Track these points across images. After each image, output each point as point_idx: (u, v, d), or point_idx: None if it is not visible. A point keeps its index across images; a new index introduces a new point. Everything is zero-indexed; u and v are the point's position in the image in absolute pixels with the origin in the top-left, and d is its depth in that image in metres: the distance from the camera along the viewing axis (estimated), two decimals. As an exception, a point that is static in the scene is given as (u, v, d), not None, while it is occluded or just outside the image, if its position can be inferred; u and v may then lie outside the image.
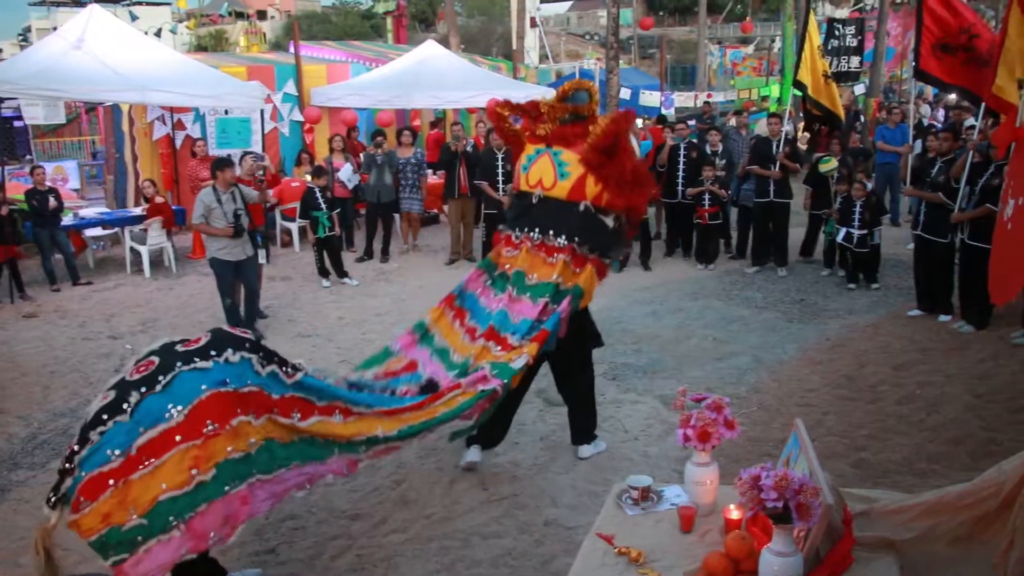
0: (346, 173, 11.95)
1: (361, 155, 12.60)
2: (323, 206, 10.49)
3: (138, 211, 11.88)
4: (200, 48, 43.72)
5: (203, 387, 3.59)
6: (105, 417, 3.52)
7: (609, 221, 5.34)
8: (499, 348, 5.03)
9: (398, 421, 4.40)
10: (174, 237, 11.89)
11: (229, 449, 3.60)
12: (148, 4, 44.80)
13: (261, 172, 9.24)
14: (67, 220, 11.16)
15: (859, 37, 16.28)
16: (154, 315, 9.54)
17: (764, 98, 21.71)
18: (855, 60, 15.31)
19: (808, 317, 9.08)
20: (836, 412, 6.50)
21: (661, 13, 58.63)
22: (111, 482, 3.42)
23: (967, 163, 8.20)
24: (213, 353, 3.72)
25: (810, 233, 11.43)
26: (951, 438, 5.93)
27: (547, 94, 16.55)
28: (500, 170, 10.91)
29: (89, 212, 12.15)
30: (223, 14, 52.69)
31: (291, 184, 12.58)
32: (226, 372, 3.69)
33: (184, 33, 43.43)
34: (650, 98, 19.64)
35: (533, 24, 30.40)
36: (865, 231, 9.86)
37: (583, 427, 5.88)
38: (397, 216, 12.63)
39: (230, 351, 3.77)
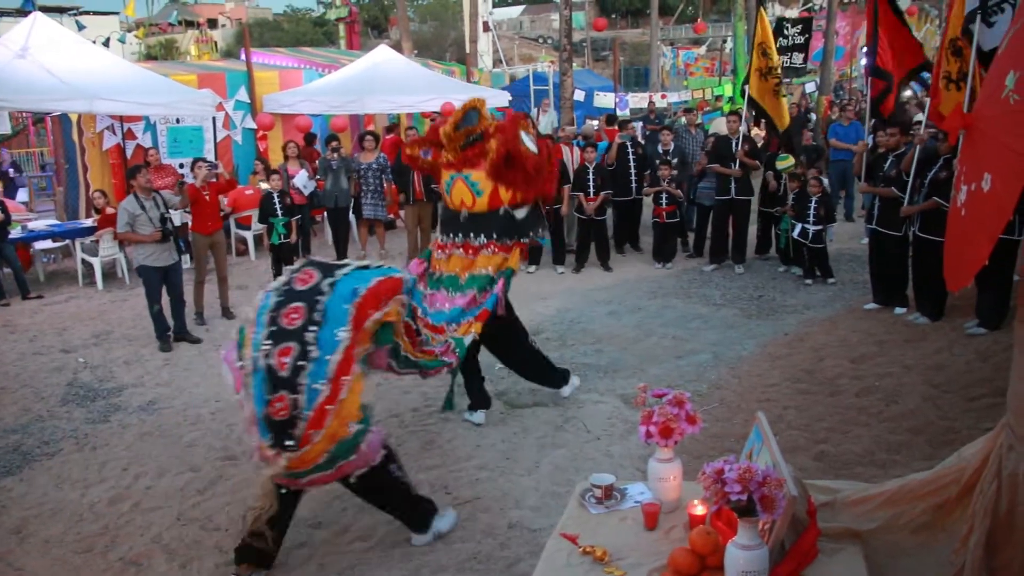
0: (301, 180, 11.81)
1: (317, 160, 12.48)
2: (279, 212, 10.34)
3: (89, 222, 11.63)
4: (150, 57, 43.10)
5: (345, 306, 4.31)
6: (301, 364, 4.20)
7: (523, 212, 6.12)
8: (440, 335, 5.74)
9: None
10: (127, 248, 11.66)
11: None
12: (95, 13, 43.98)
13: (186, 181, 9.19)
14: (15, 233, 10.90)
15: (806, 35, 16.46)
16: (108, 327, 9.35)
17: (718, 97, 21.90)
18: (799, 57, 15.55)
19: (766, 313, 9.14)
20: (796, 406, 6.53)
21: (614, 15, 58.97)
22: (328, 408, 4.18)
23: (914, 157, 8.34)
24: (331, 277, 4.44)
25: (764, 230, 11.52)
26: (910, 428, 5.99)
27: (500, 97, 16.63)
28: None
29: (39, 224, 11.88)
30: (173, 23, 51.81)
31: (245, 192, 12.41)
32: (348, 283, 4.42)
33: (133, 42, 42.71)
34: (604, 99, 19.72)
35: (486, 28, 30.40)
36: (820, 227, 9.96)
37: (550, 380, 6.75)
38: (354, 221, 12.52)
39: (343, 269, 4.52)
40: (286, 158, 12.42)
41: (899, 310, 8.73)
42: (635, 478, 3.75)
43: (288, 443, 4.18)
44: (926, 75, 9.29)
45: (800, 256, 10.49)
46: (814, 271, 10.27)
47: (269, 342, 4.29)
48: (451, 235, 6.19)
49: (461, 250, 6.12)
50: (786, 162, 10.86)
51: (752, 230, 11.41)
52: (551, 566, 2.95)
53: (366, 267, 4.62)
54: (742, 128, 10.88)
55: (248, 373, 4.35)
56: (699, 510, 3.02)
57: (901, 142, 8.91)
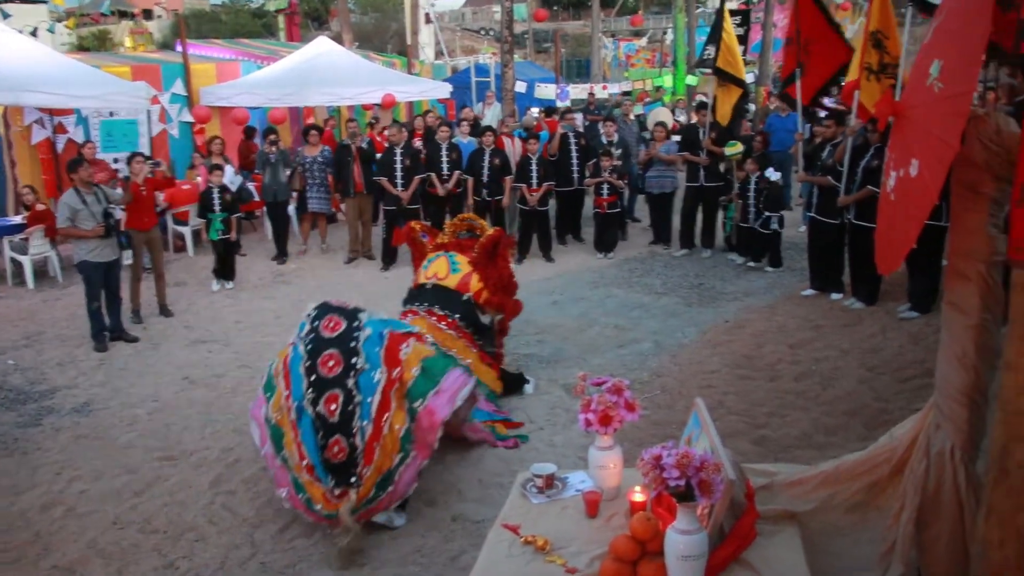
0: (228, 176, 11.60)
1: (255, 154, 12.29)
2: (217, 208, 10.16)
3: (18, 219, 11.29)
4: (82, 49, 41.92)
5: (376, 349, 4.75)
6: (350, 408, 4.65)
7: (485, 319, 6.66)
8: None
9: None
10: (59, 246, 11.35)
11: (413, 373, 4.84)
12: (22, 1, 42.62)
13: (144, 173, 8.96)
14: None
15: (745, 27, 16.66)
16: (39, 328, 9.09)
17: (658, 89, 22.05)
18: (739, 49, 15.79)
19: (707, 301, 9.24)
20: (736, 392, 6.62)
21: (555, 7, 58.96)
22: (376, 445, 4.64)
23: (848, 147, 8.51)
24: (357, 322, 4.85)
25: (709, 219, 11.64)
26: (846, 410, 6.11)
27: (442, 89, 16.56)
28: (398, 165, 10.79)
29: (-37, 223, 11.49)
30: (105, 12, 50.45)
31: (182, 187, 12.16)
32: (375, 327, 4.88)
33: (63, 33, 41.64)
34: (545, 91, 19.71)
35: (428, 20, 30.16)
36: (769, 214, 10.11)
37: (516, 387, 6.86)
38: (294, 215, 12.37)
39: (362, 313, 4.95)
40: (210, 154, 12.20)
41: (835, 296, 8.91)
42: (578, 467, 3.76)
43: (352, 480, 4.66)
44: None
45: (744, 243, 10.65)
46: (760, 256, 10.46)
47: (312, 392, 4.69)
48: (416, 304, 6.63)
49: (425, 314, 6.44)
50: (734, 148, 11.00)
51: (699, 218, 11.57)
52: (492, 557, 2.95)
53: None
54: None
55: (293, 421, 4.76)
56: (639, 497, 3.04)
57: (837, 132, 9.08)
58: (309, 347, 4.79)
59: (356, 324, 4.85)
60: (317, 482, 4.73)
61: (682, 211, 11.54)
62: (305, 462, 4.74)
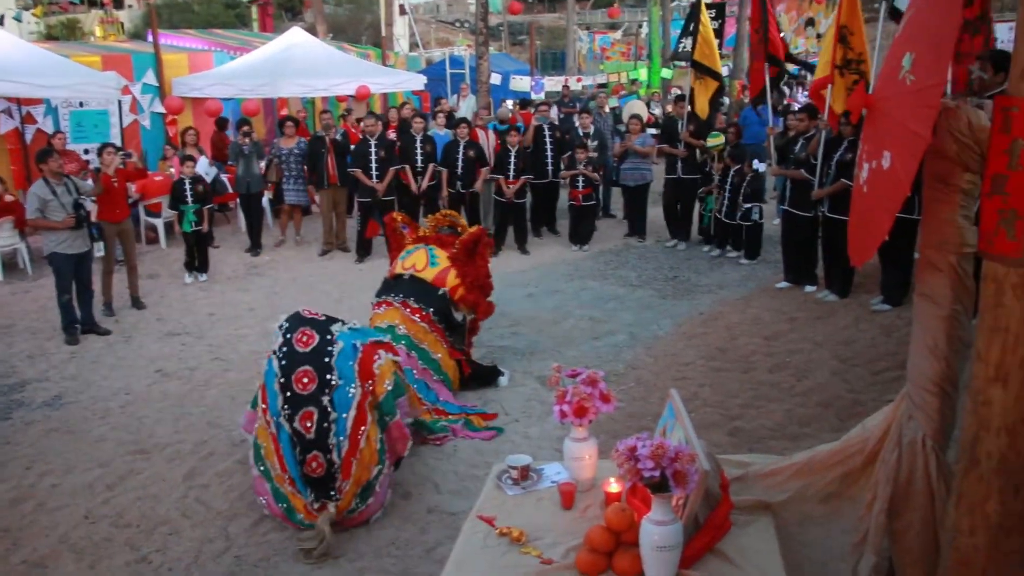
0: (202, 167, 11.50)
1: (228, 146, 12.18)
2: (189, 199, 10.06)
3: (-15, 211, 11.12)
4: (51, 38, 41.30)
5: (350, 363, 4.73)
6: (325, 425, 4.64)
7: (458, 315, 6.71)
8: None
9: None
10: (29, 238, 11.20)
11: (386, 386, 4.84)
12: (-13, -10, 42.04)
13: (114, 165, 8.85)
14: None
15: (719, 21, 16.68)
16: (8, 320, 8.97)
17: (634, 81, 22.09)
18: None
19: (681, 293, 9.28)
20: (711, 384, 6.65)
21: (530, 0, 58.94)
22: (353, 459, 4.65)
23: (821, 140, 8.57)
24: (329, 336, 4.79)
25: (686, 211, 11.68)
26: (820, 402, 6.16)
27: (416, 81, 16.49)
28: (373, 157, 10.74)
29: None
30: (74, 1, 49.69)
31: (154, 178, 12.03)
32: (349, 338, 4.84)
33: (31, 21, 41.03)
34: (520, 83, 19.71)
35: (402, 12, 30.06)
36: (750, 205, 10.17)
37: (490, 379, 6.87)
38: (268, 207, 12.28)
39: (334, 325, 4.89)
40: (184, 144, 12.09)
41: (809, 288, 8.97)
42: (553, 459, 3.76)
43: (331, 493, 4.68)
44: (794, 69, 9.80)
45: (720, 235, 10.72)
46: (740, 246, 10.52)
47: (288, 408, 4.68)
48: (391, 295, 6.67)
49: (400, 305, 6.49)
50: (716, 139, 11.04)
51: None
52: (468, 548, 2.94)
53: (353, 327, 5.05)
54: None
55: (273, 434, 4.75)
56: (614, 488, 3.05)
57: (810, 126, 9.14)
58: (283, 363, 4.74)
59: (329, 337, 4.79)
60: (298, 494, 4.74)
61: (663, 204, 11.57)
62: (287, 475, 4.74)
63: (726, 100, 19.46)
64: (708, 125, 11.32)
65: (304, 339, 4.78)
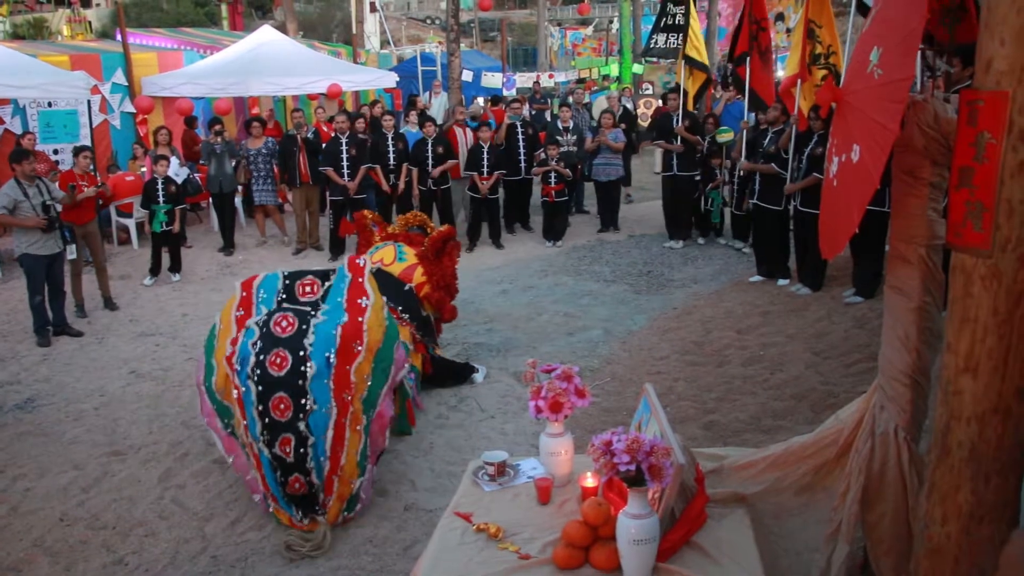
0: (173, 167, 11.40)
1: (200, 145, 12.07)
2: (161, 199, 9.97)
3: (-48, 214, 10.95)
4: (17, 37, 40.71)
5: (324, 382, 4.64)
6: (303, 451, 4.62)
7: (423, 311, 6.74)
8: None
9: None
10: (9, 236, 11.03)
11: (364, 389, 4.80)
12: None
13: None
14: None
15: (687, 16, 16.73)
16: (-24, 323, 8.86)
17: (605, 77, 22.15)
18: (677, 38, 15.99)
19: (655, 288, 9.32)
20: (686, 378, 6.69)
21: (501, -4, 58.84)
22: (334, 477, 4.70)
23: (792, 135, 8.64)
24: (303, 353, 4.65)
25: (683, 208, 11.67)
26: (794, 394, 6.21)
27: (388, 78, 16.42)
28: (344, 156, 10.70)
29: None
30: (41, 0, 49.07)
31: (125, 178, 11.91)
32: (321, 353, 4.68)
33: (-5, 22, 40.51)
34: (492, 80, 19.67)
35: (373, 9, 29.84)
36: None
37: (464, 376, 6.83)
38: (240, 207, 12.20)
39: (306, 340, 4.71)
40: (156, 144, 11.97)
41: (782, 281, 9.03)
42: (529, 454, 3.77)
43: (316, 509, 4.74)
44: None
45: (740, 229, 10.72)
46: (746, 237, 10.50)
47: (267, 434, 4.63)
48: None
49: None
50: (727, 135, 11.04)
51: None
52: (445, 545, 2.94)
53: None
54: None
55: (256, 455, 4.73)
56: (590, 482, 3.06)
57: (781, 119, 9.19)
58: (260, 388, 4.63)
59: (302, 355, 4.65)
60: (284, 510, 4.78)
61: (663, 203, 11.48)
62: (270, 493, 4.78)
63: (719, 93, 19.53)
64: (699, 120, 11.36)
65: (278, 361, 4.66)
